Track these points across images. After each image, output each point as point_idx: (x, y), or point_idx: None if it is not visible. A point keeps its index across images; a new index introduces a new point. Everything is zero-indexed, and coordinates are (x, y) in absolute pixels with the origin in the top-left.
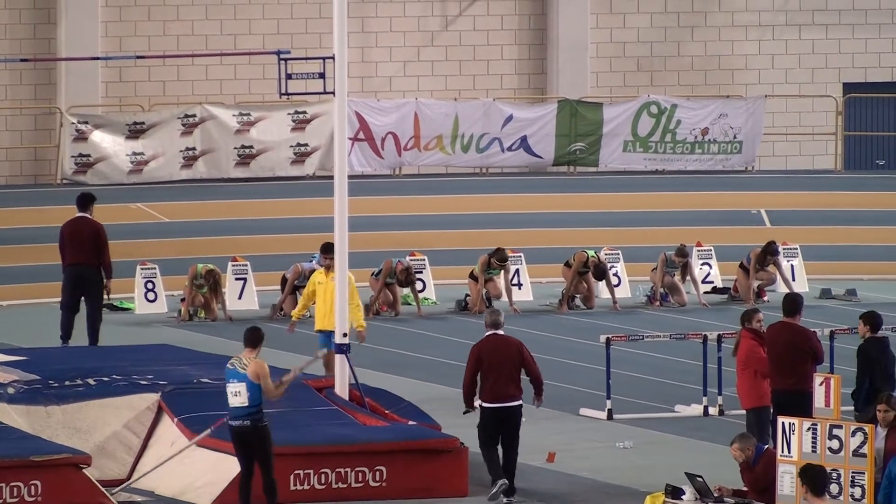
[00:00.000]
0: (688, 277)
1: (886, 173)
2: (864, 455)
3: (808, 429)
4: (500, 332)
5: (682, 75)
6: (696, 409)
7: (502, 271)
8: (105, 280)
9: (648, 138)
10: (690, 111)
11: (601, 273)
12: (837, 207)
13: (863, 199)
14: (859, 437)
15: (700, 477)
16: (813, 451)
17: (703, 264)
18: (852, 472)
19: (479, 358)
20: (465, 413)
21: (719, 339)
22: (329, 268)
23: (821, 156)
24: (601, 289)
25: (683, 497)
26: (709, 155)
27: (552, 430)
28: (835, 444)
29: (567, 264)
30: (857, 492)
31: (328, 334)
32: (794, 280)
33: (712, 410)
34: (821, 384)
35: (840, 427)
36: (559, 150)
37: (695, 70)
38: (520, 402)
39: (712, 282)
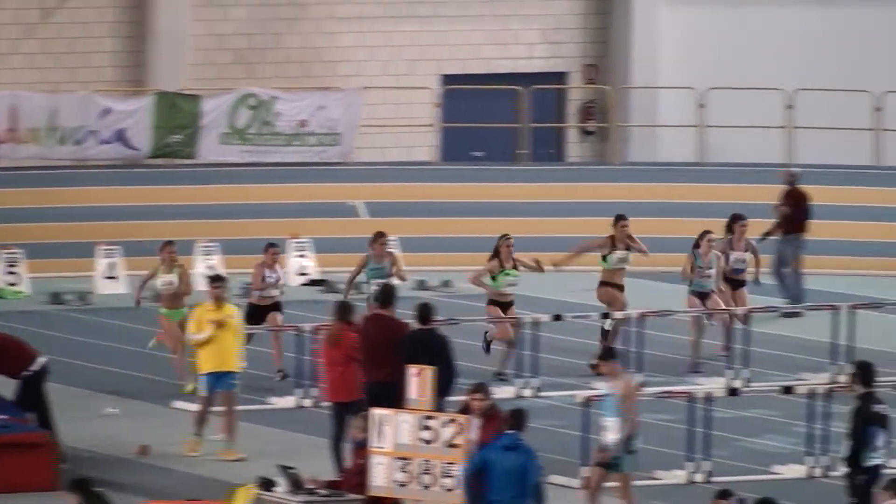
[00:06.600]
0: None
1: (482, 164)
2: (456, 446)
3: (402, 420)
4: None
5: (281, 67)
6: (289, 402)
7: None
8: None
9: (246, 130)
10: (289, 103)
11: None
12: (434, 199)
13: (459, 190)
14: (452, 429)
15: (293, 468)
16: (406, 441)
17: (298, 256)
18: (444, 463)
19: None
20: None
21: (314, 331)
22: (219, 299)
23: (419, 147)
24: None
25: (277, 489)
26: (307, 147)
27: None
28: (428, 434)
29: None
30: (449, 482)
31: (217, 375)
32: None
33: (306, 402)
34: (415, 375)
35: (433, 418)
36: (156, 142)
37: (294, 62)
38: None
39: (308, 273)
